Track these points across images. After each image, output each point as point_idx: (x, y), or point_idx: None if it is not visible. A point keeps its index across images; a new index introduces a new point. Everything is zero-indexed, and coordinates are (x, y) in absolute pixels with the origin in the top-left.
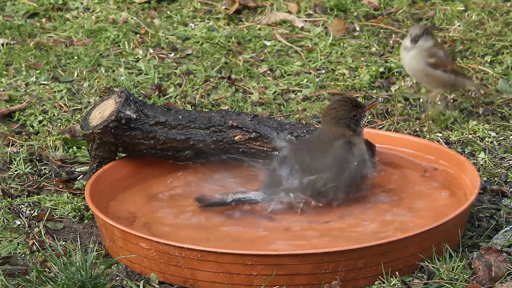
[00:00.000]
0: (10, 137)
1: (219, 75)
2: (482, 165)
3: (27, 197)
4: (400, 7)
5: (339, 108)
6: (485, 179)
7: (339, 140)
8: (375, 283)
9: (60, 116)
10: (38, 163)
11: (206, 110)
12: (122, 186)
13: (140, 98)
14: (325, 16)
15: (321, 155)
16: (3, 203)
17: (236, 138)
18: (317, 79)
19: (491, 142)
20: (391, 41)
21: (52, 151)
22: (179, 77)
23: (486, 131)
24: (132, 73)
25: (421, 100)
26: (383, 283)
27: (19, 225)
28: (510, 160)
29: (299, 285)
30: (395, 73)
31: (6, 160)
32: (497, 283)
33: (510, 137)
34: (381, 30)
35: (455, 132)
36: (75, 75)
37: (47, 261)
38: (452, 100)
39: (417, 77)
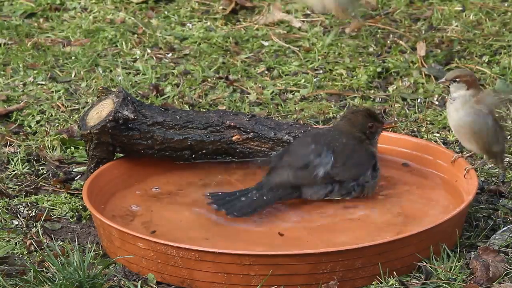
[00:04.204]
0: (7, 137)
1: (217, 75)
2: (479, 164)
3: (24, 197)
4: (397, 7)
5: (358, 114)
6: (482, 179)
7: (355, 139)
8: (372, 283)
9: (58, 116)
10: (35, 163)
11: (204, 110)
12: (120, 186)
13: (137, 98)
14: (322, 16)
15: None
16: (0, 203)
17: (233, 138)
18: (315, 79)
19: None
20: (388, 41)
21: (50, 151)
22: (176, 77)
23: None
24: (130, 73)
25: None
26: (381, 283)
27: (16, 225)
28: (508, 160)
29: (297, 285)
30: (393, 73)
31: (4, 160)
32: (494, 283)
33: (508, 137)
34: (379, 30)
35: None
36: (73, 75)
37: (44, 261)
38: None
39: None
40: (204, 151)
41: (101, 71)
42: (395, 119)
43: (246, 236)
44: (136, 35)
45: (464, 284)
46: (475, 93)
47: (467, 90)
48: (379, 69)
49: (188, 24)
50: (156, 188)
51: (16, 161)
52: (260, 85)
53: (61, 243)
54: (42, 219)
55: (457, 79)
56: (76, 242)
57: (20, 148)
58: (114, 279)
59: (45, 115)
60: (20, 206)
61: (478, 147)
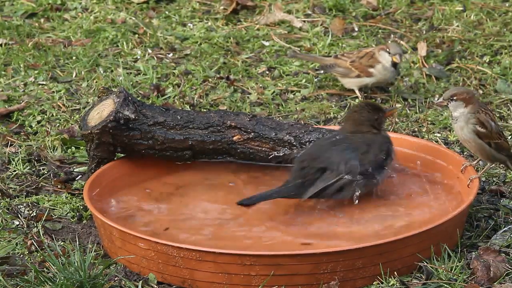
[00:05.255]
0: (8, 137)
1: (218, 75)
2: (480, 165)
3: (25, 197)
4: (398, 7)
5: (362, 111)
6: (483, 179)
7: (367, 133)
8: (373, 283)
9: (59, 116)
10: (36, 163)
11: (205, 110)
12: (121, 186)
13: (138, 98)
14: (323, 16)
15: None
16: (1, 203)
17: (234, 138)
18: (316, 79)
19: None
20: (389, 41)
21: (51, 151)
22: (177, 77)
23: None
24: (131, 73)
25: None
26: (382, 283)
27: (17, 225)
28: None
29: (298, 285)
30: None
31: (5, 160)
32: (495, 283)
33: (509, 137)
34: (380, 30)
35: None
36: (74, 75)
37: (45, 261)
38: None
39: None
40: (205, 151)
41: (102, 71)
42: (396, 119)
43: (246, 235)
44: (137, 35)
45: (465, 284)
46: (473, 109)
47: (465, 108)
48: None
49: (189, 24)
50: (157, 188)
51: (17, 161)
52: (261, 85)
53: (62, 243)
54: (43, 219)
55: (454, 98)
56: (77, 242)
57: (21, 148)
58: (115, 279)
59: (46, 115)
60: (21, 206)
61: (485, 157)
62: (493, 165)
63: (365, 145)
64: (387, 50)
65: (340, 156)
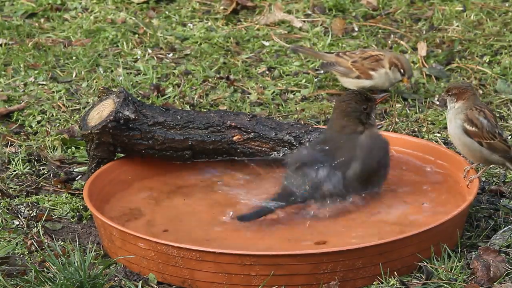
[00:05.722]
0: (8, 137)
1: (218, 75)
2: (481, 165)
3: (25, 197)
4: (398, 7)
5: (350, 101)
6: (483, 179)
7: (350, 134)
8: (373, 283)
9: (59, 116)
10: (36, 163)
11: (205, 110)
12: (121, 186)
13: (138, 98)
14: (323, 16)
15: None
16: (1, 203)
17: (234, 138)
18: (316, 79)
19: None
20: (389, 41)
21: (51, 151)
22: (177, 77)
23: None
24: (131, 73)
25: None
26: (382, 283)
27: (17, 225)
28: None
29: (298, 285)
30: None
31: (5, 160)
32: (495, 283)
33: (509, 137)
34: (380, 30)
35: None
36: (74, 75)
37: (45, 261)
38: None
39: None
40: (205, 151)
41: (102, 71)
42: (396, 119)
43: (248, 235)
44: (137, 35)
45: (465, 284)
46: (465, 105)
47: (455, 103)
48: None
49: (189, 24)
50: (157, 188)
51: (17, 161)
52: (261, 85)
53: (62, 243)
54: (43, 219)
55: (449, 92)
56: (77, 242)
57: (21, 148)
58: (115, 279)
59: (46, 115)
60: (21, 206)
61: (472, 157)
62: (492, 165)
63: (350, 161)
64: (401, 70)
65: (320, 180)
